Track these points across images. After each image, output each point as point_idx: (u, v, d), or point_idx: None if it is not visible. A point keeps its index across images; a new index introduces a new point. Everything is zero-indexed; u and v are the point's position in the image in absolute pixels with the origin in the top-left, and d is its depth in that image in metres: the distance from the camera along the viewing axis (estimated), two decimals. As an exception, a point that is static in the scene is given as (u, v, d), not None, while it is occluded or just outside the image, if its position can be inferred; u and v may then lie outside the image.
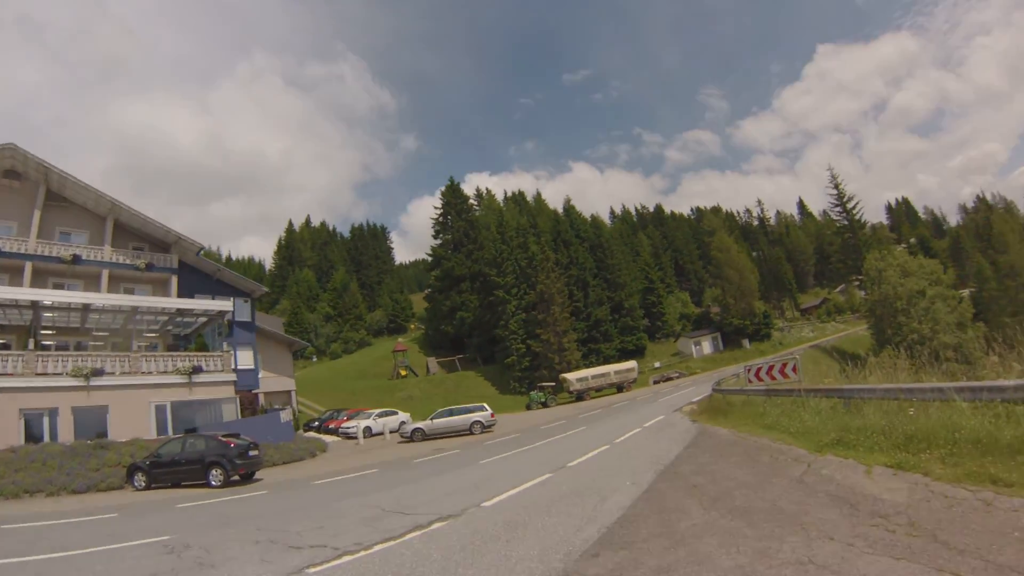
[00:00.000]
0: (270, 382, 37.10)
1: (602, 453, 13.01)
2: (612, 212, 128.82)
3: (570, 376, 51.99)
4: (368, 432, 32.58)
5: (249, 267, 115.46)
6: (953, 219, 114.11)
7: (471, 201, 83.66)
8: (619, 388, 53.16)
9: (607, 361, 60.77)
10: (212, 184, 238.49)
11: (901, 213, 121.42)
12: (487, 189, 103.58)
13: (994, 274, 62.59)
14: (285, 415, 27.80)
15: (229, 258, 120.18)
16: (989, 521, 4.89)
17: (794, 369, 15.58)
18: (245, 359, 31.77)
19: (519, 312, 60.85)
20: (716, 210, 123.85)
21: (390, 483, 12.87)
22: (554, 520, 6.93)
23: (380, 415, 34.93)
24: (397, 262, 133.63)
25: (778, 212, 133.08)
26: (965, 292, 55.31)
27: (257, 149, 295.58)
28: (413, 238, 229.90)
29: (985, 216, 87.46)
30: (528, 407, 46.74)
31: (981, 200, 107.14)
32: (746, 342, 72.61)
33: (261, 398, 34.95)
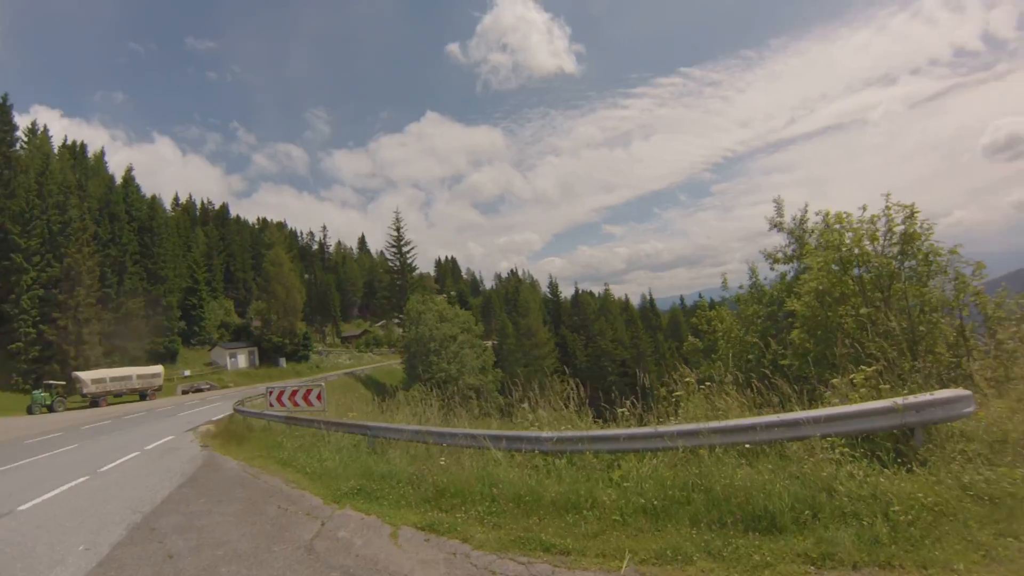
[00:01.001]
0: None
1: (75, 488, 10.38)
2: (177, 198, 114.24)
3: (85, 376, 45.41)
4: None
5: None
6: (489, 283, 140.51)
7: (20, 135, 63.31)
8: (142, 395, 48.94)
9: (134, 362, 54.89)
10: None
11: (448, 269, 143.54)
12: (44, 126, 76.01)
13: (514, 332, 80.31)
14: None
15: None
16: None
17: (319, 397, 14.69)
18: None
19: (37, 287, 50.41)
20: (281, 225, 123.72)
21: None
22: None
23: None
24: None
25: (339, 242, 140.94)
26: (489, 343, 67.83)
27: None
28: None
29: (515, 286, 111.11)
30: (30, 410, 39.64)
31: (513, 274, 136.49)
32: (283, 361, 73.81)
33: None
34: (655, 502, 5.70)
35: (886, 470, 5.32)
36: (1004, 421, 5.90)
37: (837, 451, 5.63)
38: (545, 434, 7.72)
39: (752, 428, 6.21)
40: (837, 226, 11.67)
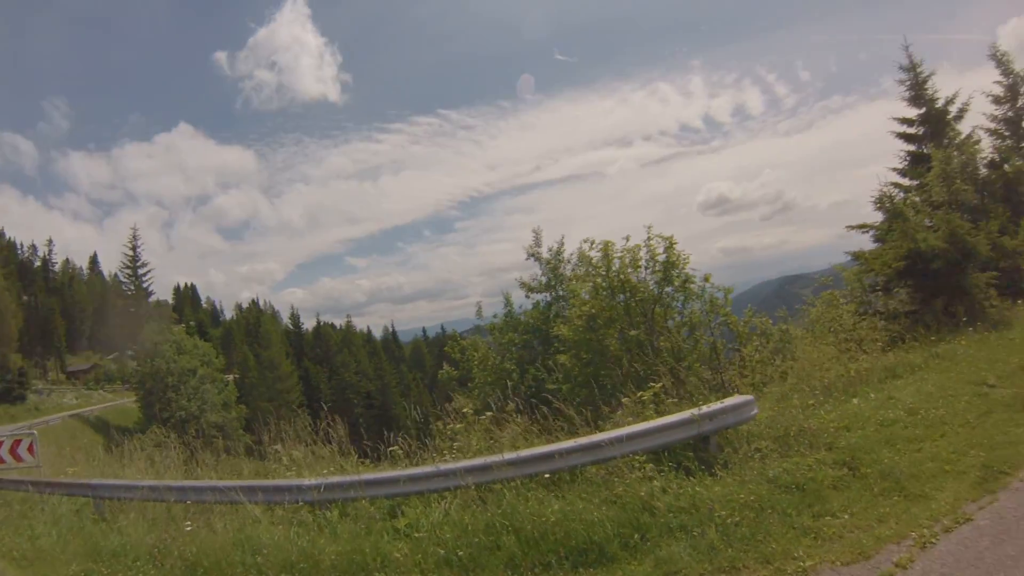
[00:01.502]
0: None
1: None
2: None
3: None
4: None
5: None
6: (229, 313, 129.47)
7: None
8: None
9: None
10: None
11: (187, 297, 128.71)
12: None
13: (256, 365, 75.17)
14: None
15: None
16: None
17: (30, 449, 11.72)
18: None
19: None
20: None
21: None
22: None
23: None
24: None
25: (68, 260, 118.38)
26: (231, 377, 62.28)
27: None
28: None
29: (256, 317, 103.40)
30: None
31: (254, 304, 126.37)
32: (-8, 402, 59.86)
33: None
34: (459, 552, 4.85)
35: (692, 479, 5.25)
36: (777, 419, 6.36)
37: (646, 468, 5.42)
38: (308, 481, 6.59)
39: (551, 456, 5.77)
40: (595, 254, 12.27)
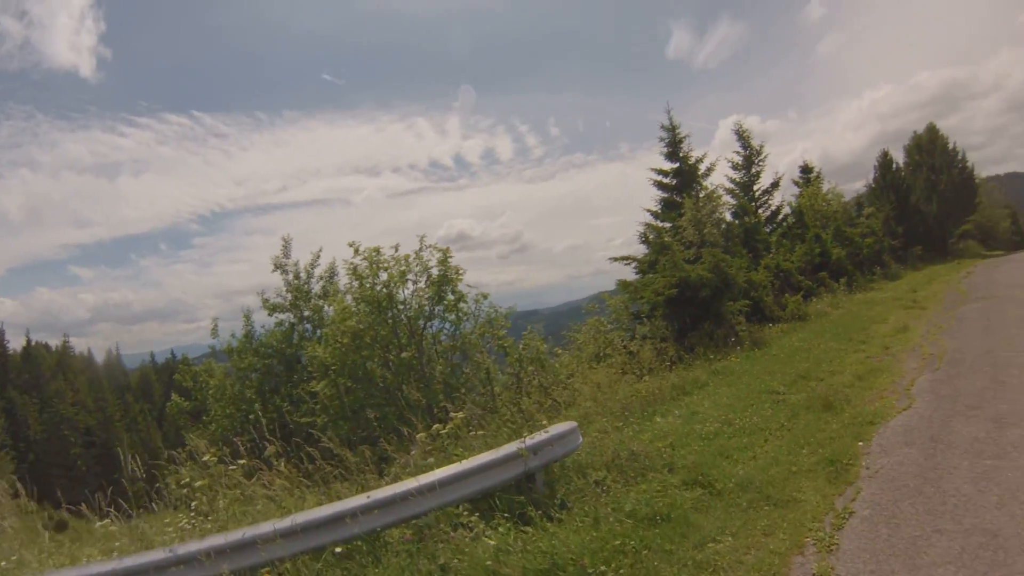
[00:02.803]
0: None
1: None
2: None
3: None
4: None
5: None
6: None
7: None
8: None
9: None
10: None
11: None
12: None
13: None
14: None
15: None
16: None
17: None
18: None
19: None
20: None
21: None
22: None
23: None
24: None
25: None
26: None
27: None
28: None
29: None
30: None
31: None
32: None
33: None
34: None
35: (529, 529, 4.18)
36: (598, 444, 5.76)
37: (476, 524, 4.24)
38: None
39: (341, 519, 4.31)
40: (359, 261, 10.87)
